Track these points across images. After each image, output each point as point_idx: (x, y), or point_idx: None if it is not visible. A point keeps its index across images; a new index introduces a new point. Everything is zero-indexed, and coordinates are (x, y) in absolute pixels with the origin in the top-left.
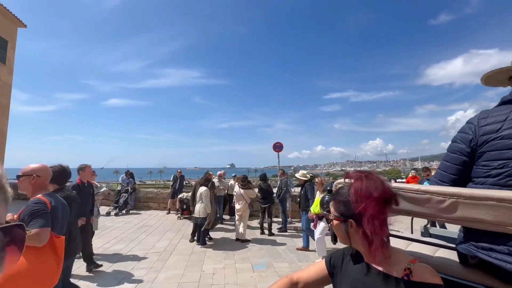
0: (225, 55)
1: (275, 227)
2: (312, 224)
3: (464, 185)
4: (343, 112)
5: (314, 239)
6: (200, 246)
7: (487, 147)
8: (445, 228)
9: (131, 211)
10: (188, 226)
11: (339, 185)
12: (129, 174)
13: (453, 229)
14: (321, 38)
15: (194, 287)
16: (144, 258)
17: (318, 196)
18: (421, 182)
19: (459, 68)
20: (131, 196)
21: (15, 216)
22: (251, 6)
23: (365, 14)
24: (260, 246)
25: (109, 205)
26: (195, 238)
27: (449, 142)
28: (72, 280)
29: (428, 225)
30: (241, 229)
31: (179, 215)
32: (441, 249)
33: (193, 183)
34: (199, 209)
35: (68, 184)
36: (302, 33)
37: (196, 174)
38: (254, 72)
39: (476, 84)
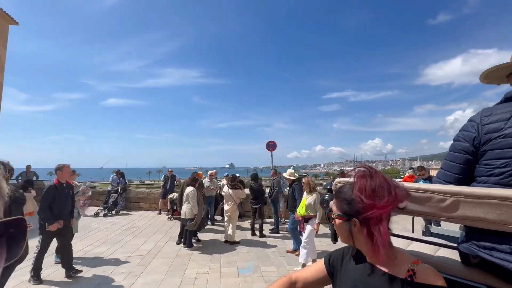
0: (224, 55)
1: (267, 229)
2: (297, 226)
3: (468, 184)
4: (342, 112)
5: (297, 241)
6: (186, 248)
7: (490, 145)
8: (439, 226)
9: (121, 212)
10: (178, 227)
11: (339, 184)
12: (120, 174)
13: (455, 228)
14: (320, 38)
15: None
16: (126, 262)
17: (305, 197)
18: (416, 181)
19: (457, 67)
20: (121, 197)
21: None
22: (250, 6)
23: (364, 14)
24: (249, 249)
25: (98, 206)
26: (182, 240)
27: (448, 142)
28: (45, 286)
29: (431, 225)
30: (230, 231)
31: (169, 216)
32: (443, 249)
33: None
34: (186, 210)
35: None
36: (301, 33)
37: None
38: (253, 71)
39: (475, 83)
